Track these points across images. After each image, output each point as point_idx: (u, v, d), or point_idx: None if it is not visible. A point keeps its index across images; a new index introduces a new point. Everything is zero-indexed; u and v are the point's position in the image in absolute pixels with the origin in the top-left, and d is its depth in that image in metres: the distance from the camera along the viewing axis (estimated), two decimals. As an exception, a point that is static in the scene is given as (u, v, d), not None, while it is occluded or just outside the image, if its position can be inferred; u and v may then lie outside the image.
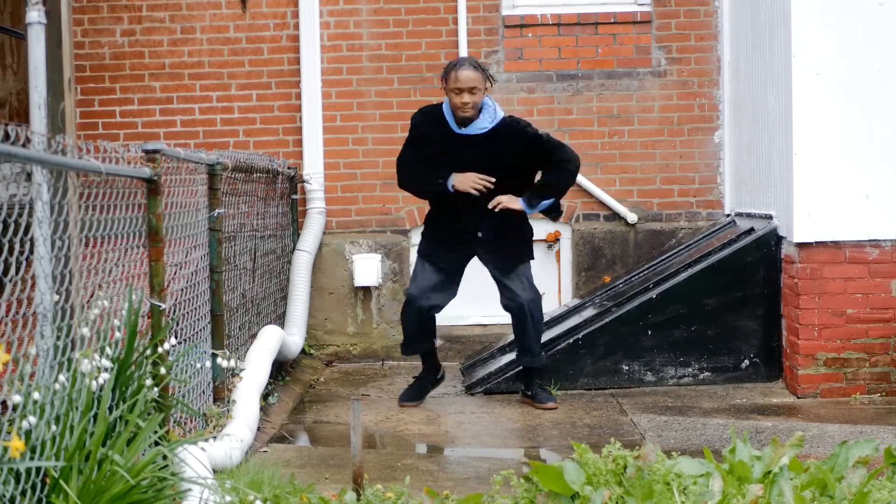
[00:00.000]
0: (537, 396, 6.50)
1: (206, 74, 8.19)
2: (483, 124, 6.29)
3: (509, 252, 6.43)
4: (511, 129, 6.32)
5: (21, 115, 7.92)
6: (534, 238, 6.61)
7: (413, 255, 8.15)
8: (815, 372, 6.50)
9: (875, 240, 6.51)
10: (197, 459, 3.92)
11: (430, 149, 6.34)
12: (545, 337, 7.09)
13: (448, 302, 6.54)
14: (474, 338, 8.06)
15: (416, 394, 6.63)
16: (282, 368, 7.09)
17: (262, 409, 5.72)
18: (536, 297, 6.44)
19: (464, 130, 6.30)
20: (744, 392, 6.74)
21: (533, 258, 6.54)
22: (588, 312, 7.27)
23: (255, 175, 6.76)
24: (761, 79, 7.19)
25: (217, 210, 5.41)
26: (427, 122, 6.38)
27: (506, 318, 7.81)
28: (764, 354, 6.93)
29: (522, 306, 6.38)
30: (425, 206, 8.43)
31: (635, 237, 8.14)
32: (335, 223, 8.20)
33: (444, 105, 6.36)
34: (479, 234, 6.40)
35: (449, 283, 6.48)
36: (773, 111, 6.91)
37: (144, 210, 4.32)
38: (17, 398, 3.22)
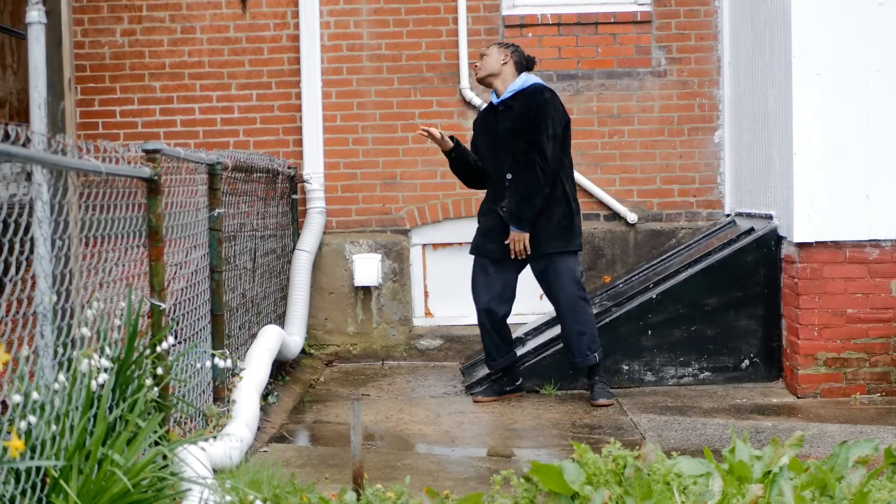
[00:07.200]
0: (593, 390, 6.52)
1: (206, 74, 8.19)
2: (504, 94, 6.51)
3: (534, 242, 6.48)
4: (528, 96, 6.46)
5: (21, 114, 7.91)
6: (574, 226, 6.49)
7: (413, 255, 8.14)
8: (815, 372, 6.50)
9: (875, 240, 6.50)
10: (197, 459, 3.93)
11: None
12: (546, 337, 7.09)
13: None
14: (474, 338, 8.03)
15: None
16: (282, 368, 7.09)
17: (262, 408, 5.72)
18: (575, 293, 6.48)
19: (495, 100, 6.61)
20: (744, 392, 6.74)
21: (571, 250, 6.51)
22: (588, 312, 7.26)
23: (255, 175, 6.76)
24: (761, 79, 7.18)
25: (217, 210, 5.41)
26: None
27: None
28: (764, 354, 6.93)
29: (557, 304, 6.55)
30: (426, 206, 8.37)
31: (635, 237, 8.13)
32: (335, 223, 8.20)
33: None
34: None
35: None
36: (773, 111, 6.90)
37: (144, 210, 4.32)
38: (17, 398, 3.22)
